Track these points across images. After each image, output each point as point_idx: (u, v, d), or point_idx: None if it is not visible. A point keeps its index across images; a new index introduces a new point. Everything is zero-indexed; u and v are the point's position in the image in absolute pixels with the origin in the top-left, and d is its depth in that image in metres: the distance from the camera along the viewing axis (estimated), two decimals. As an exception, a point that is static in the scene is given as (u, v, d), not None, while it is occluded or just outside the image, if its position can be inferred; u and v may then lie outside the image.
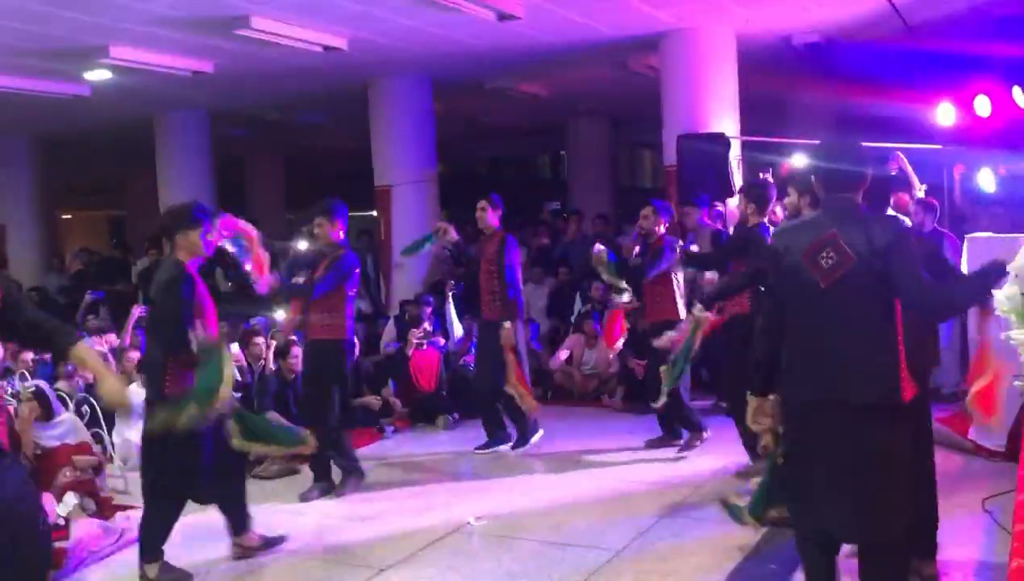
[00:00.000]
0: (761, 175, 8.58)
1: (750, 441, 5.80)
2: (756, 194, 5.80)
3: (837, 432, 3.08)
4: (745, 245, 5.61)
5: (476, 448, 6.63)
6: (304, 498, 5.56)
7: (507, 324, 6.26)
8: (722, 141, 8.73)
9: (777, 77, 10.50)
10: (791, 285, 3.17)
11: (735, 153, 8.92)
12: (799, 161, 9.18)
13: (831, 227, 3.08)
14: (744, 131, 9.23)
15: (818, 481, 3.14)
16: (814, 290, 3.07)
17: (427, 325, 8.13)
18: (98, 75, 9.14)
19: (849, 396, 3.04)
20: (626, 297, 6.70)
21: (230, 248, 4.74)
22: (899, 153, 8.01)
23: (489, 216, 6.49)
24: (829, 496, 3.13)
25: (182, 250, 4.29)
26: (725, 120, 8.93)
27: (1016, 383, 2.00)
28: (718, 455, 6.18)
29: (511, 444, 6.58)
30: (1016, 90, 6.89)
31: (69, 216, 20.93)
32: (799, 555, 3.43)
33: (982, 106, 7.25)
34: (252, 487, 5.79)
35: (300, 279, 9.78)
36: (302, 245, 10.17)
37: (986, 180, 7.65)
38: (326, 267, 5.50)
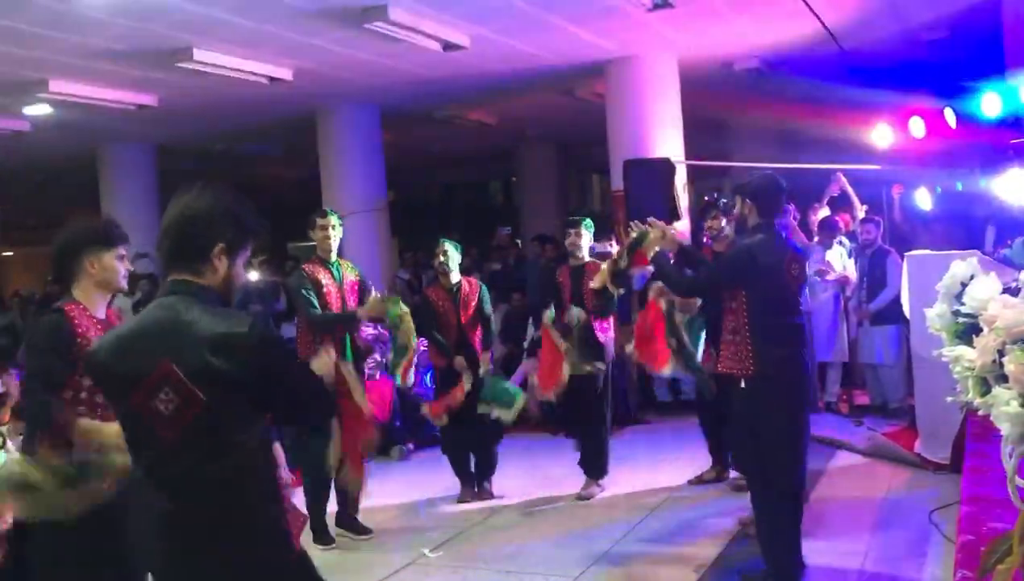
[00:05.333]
0: (706, 199, 8.77)
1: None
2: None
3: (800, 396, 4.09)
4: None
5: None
6: None
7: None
8: (668, 165, 8.86)
9: (719, 101, 10.73)
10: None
11: (681, 177, 9.06)
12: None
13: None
14: (689, 154, 9.38)
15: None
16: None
17: (378, 355, 8.07)
18: (38, 110, 9.00)
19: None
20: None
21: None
22: (839, 174, 8.26)
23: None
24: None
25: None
26: (670, 144, 9.07)
27: (949, 399, 2.05)
28: (673, 475, 6.22)
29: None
30: (948, 111, 7.10)
31: (11, 253, 20.51)
32: (772, 512, 3.95)
33: (917, 127, 7.46)
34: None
35: (257, 308, 9.63)
36: (252, 275, 10.13)
37: (923, 199, 7.86)
38: None
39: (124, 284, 3.15)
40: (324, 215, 5.48)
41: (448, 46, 7.72)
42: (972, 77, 7.04)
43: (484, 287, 6.25)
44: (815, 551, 4.18)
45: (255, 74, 8.19)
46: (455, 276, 6.07)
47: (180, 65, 7.60)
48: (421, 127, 12.13)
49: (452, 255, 6.03)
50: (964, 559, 2.56)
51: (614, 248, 8.52)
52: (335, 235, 5.45)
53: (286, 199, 18.18)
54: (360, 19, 6.88)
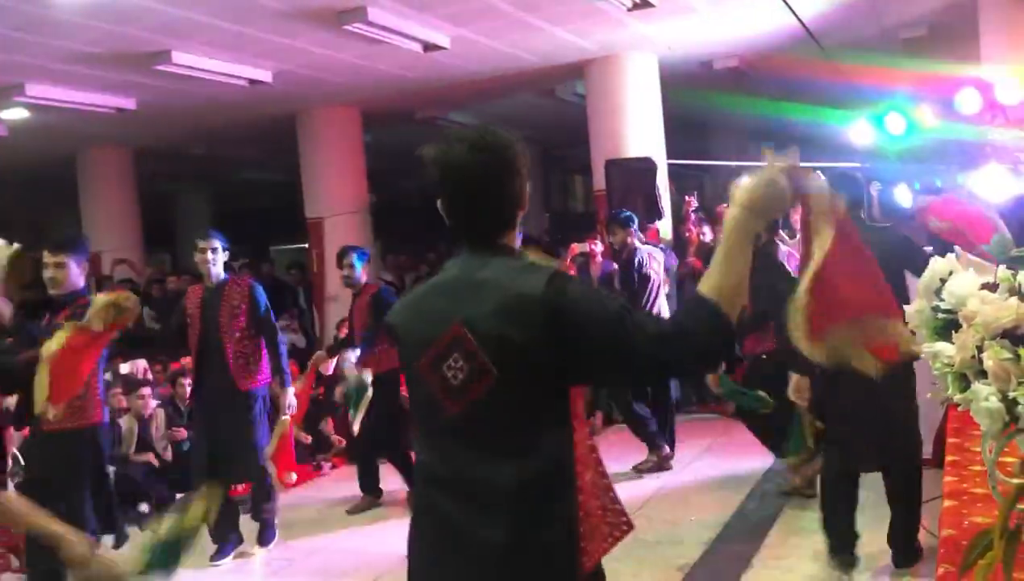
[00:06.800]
0: (687, 198, 8.80)
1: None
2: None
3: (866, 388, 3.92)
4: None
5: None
6: None
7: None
8: (649, 165, 8.90)
9: (700, 100, 10.76)
10: None
11: (662, 176, 9.09)
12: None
13: None
14: (669, 153, 9.41)
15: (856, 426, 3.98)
16: None
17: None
18: (14, 114, 8.91)
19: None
20: None
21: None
22: (818, 173, 8.29)
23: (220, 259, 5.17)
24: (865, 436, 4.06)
25: None
26: (651, 144, 9.10)
27: (929, 395, 2.06)
28: (660, 475, 6.23)
29: None
30: (924, 108, 7.15)
31: (-12, 259, 20.28)
32: (833, 497, 4.11)
33: (895, 124, 7.51)
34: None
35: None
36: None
37: (902, 195, 7.91)
38: None
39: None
40: (204, 237, 5.09)
41: (428, 47, 7.71)
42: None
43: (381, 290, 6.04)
44: (797, 546, 4.20)
45: (234, 77, 8.14)
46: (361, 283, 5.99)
47: (159, 68, 7.55)
48: (402, 128, 12.10)
49: (356, 265, 5.92)
50: (946, 554, 2.58)
51: (599, 247, 8.56)
52: (215, 259, 5.04)
53: (266, 202, 18.12)
54: (339, 21, 6.86)
